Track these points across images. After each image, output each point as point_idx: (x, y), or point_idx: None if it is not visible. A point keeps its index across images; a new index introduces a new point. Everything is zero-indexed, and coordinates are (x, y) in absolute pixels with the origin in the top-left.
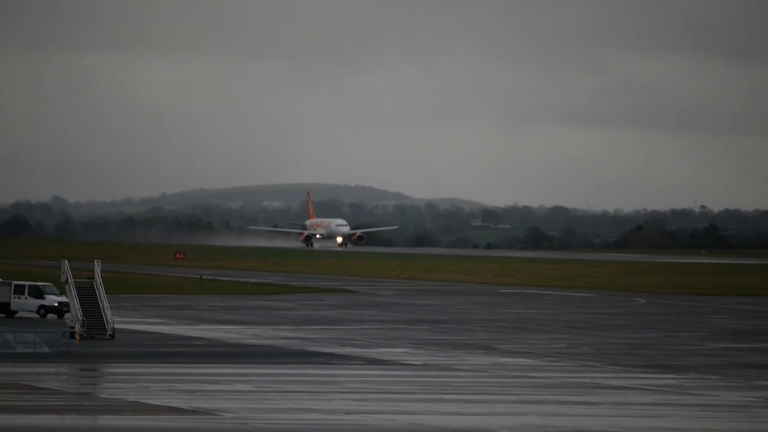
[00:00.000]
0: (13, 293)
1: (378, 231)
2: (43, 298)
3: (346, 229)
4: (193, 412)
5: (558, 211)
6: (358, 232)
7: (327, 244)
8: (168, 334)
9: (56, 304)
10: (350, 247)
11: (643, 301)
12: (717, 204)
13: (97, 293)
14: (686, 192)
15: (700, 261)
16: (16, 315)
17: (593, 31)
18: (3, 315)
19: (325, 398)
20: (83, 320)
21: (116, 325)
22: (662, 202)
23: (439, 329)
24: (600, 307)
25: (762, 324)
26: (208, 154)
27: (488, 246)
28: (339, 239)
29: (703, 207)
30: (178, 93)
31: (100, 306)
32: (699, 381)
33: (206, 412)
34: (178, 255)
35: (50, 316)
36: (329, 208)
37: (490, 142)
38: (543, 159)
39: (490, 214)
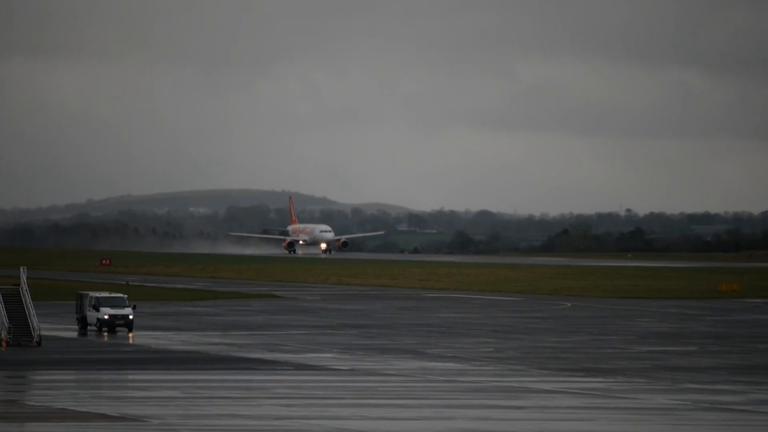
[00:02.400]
0: None
1: (363, 237)
2: None
3: (331, 235)
4: (121, 418)
5: (484, 215)
6: (343, 238)
7: (310, 251)
8: (95, 340)
9: None
10: (335, 254)
11: (569, 304)
12: (642, 208)
13: (24, 300)
14: (612, 196)
15: (626, 264)
16: None
17: (499, 35)
18: None
19: (253, 404)
20: (9, 327)
21: (43, 332)
22: (588, 206)
23: (366, 334)
24: (526, 311)
25: (688, 327)
26: (135, 161)
27: (415, 250)
28: (323, 245)
29: (628, 211)
30: (92, 99)
31: (27, 313)
32: (626, 384)
33: (134, 419)
34: (104, 261)
35: None
36: (256, 214)
37: (412, 146)
38: (465, 164)
39: (416, 219)
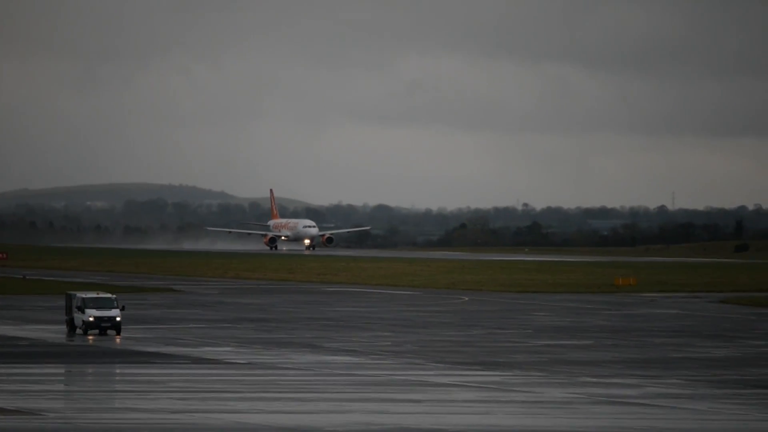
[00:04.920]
0: None
1: (348, 232)
2: None
3: (315, 231)
4: (17, 412)
5: (381, 209)
6: (327, 233)
7: (293, 247)
8: None
9: None
10: (319, 250)
11: (466, 298)
12: (539, 202)
13: None
14: (509, 190)
15: (523, 258)
16: None
17: (377, 31)
18: None
19: (150, 397)
20: None
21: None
22: (485, 201)
23: (263, 328)
24: (424, 305)
25: (584, 320)
26: (31, 155)
27: None
28: (307, 241)
29: (525, 205)
30: None
31: None
32: (523, 378)
33: (30, 412)
34: (0, 255)
35: None
36: (154, 208)
37: (302, 141)
38: (358, 158)
39: (313, 213)
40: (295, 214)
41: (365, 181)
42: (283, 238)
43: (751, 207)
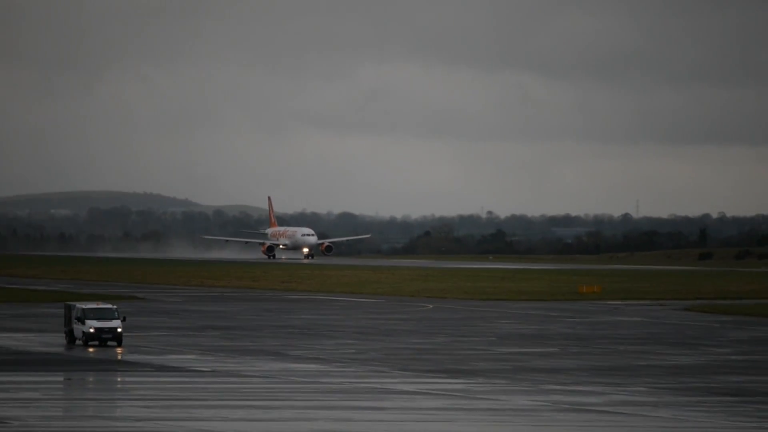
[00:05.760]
0: None
1: (348, 241)
2: None
3: (314, 239)
4: None
5: (346, 217)
6: (326, 242)
7: (291, 256)
8: None
9: None
10: (317, 259)
11: (431, 306)
12: (504, 210)
13: None
14: (473, 198)
15: (488, 266)
16: None
17: (335, 39)
18: None
19: (115, 405)
20: None
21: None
22: (449, 209)
23: (228, 336)
24: (388, 313)
25: (549, 328)
26: None
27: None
28: (305, 250)
29: (490, 213)
30: None
31: None
32: (487, 385)
33: None
34: None
35: None
36: (118, 216)
37: (264, 148)
38: (321, 165)
39: (278, 221)
40: (260, 222)
41: (329, 189)
42: (281, 246)
43: (715, 215)
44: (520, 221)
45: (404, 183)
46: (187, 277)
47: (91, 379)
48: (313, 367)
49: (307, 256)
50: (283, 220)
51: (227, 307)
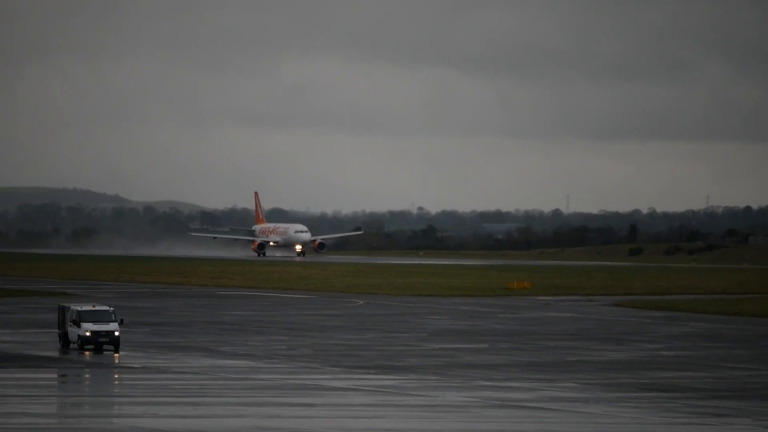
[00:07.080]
0: None
1: (340, 237)
2: None
3: (307, 236)
4: None
5: (277, 213)
6: (319, 239)
7: (283, 253)
8: None
9: None
10: (309, 257)
11: (361, 302)
12: (434, 206)
13: None
14: (404, 194)
15: (418, 262)
16: None
17: (256, 35)
18: None
19: (43, 402)
20: None
21: None
22: (380, 204)
23: (158, 332)
24: (319, 309)
25: (480, 324)
26: None
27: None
28: (298, 247)
29: (420, 209)
30: None
31: None
32: (418, 381)
33: None
34: None
35: None
36: (47, 212)
37: (190, 144)
38: (248, 161)
39: (209, 217)
40: (190, 218)
41: (257, 184)
42: (272, 243)
43: (645, 210)
44: (450, 217)
45: (334, 178)
46: (117, 273)
47: (18, 375)
48: (243, 363)
49: (299, 254)
50: (214, 217)
51: (157, 302)
